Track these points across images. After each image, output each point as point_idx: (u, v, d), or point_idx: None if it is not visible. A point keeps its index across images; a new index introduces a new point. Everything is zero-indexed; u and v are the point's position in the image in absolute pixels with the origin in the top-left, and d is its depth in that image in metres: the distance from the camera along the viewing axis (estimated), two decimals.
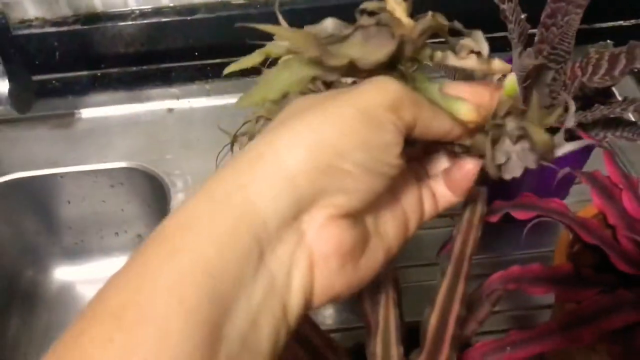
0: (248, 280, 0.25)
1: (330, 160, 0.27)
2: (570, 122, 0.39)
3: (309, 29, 0.33)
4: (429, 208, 0.35)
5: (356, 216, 0.29)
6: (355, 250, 0.29)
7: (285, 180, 0.26)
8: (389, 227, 0.32)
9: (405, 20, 0.31)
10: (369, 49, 0.30)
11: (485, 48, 0.33)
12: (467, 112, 0.31)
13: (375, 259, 0.31)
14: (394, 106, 0.28)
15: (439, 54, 0.32)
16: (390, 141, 0.28)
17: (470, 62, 0.33)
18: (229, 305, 0.24)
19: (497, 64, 0.34)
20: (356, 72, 0.31)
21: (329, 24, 0.32)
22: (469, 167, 0.34)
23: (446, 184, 0.35)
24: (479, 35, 0.33)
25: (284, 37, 0.33)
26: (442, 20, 0.32)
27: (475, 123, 0.31)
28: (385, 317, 0.35)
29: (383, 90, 0.29)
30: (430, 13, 0.31)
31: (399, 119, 0.28)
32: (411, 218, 0.33)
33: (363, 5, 0.32)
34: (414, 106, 0.29)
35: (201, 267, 0.24)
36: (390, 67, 0.31)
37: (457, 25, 0.33)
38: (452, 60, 0.33)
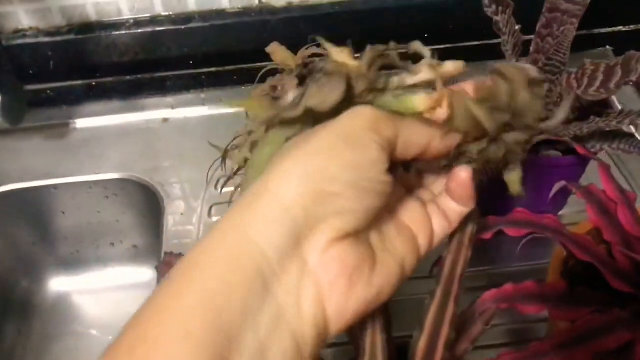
0: (254, 311, 0.26)
1: (321, 186, 0.28)
2: (562, 115, 0.39)
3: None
4: (439, 224, 0.35)
5: (357, 235, 0.30)
6: (361, 268, 0.30)
7: (280, 212, 0.28)
8: (397, 243, 0.33)
9: (351, 62, 0.34)
10: (323, 95, 0.33)
11: (426, 53, 0.34)
12: (420, 101, 0.32)
13: (388, 273, 0.31)
14: (372, 126, 0.30)
15: (395, 79, 0.34)
16: (376, 158, 0.30)
17: (423, 75, 0.34)
18: (235, 336, 0.25)
19: (449, 65, 0.35)
20: (322, 118, 0.33)
21: (290, 96, 0.38)
22: (463, 174, 0.34)
23: (451, 198, 0.36)
24: (417, 44, 0.35)
25: (241, 106, 0.41)
26: (380, 48, 0.34)
27: (431, 110, 0.33)
28: (372, 342, 0.34)
29: (360, 115, 0.30)
30: (368, 47, 0.35)
31: (379, 136, 0.30)
32: (419, 234, 0.34)
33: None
34: (391, 122, 0.31)
35: (206, 301, 0.26)
36: (349, 103, 0.33)
37: (393, 45, 0.35)
38: (409, 80, 0.35)
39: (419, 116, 0.33)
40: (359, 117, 0.30)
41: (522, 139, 0.35)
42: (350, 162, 0.29)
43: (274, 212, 0.28)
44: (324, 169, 0.29)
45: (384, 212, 0.33)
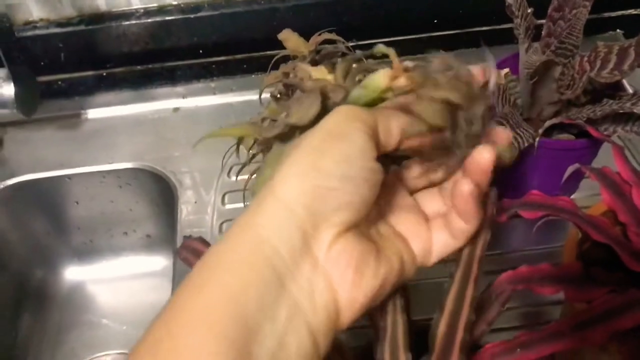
0: (271, 304, 0.28)
1: (318, 182, 0.30)
2: None
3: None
4: (442, 240, 0.36)
5: (358, 227, 0.32)
6: (367, 258, 0.31)
7: (285, 211, 0.30)
8: (394, 240, 0.34)
9: (327, 77, 0.38)
10: (302, 111, 0.38)
11: (391, 52, 0.36)
12: (382, 75, 0.34)
13: (391, 265, 0.33)
14: (354, 116, 0.32)
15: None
16: (363, 146, 0.31)
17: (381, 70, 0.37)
18: (255, 328, 0.27)
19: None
20: (305, 129, 0.37)
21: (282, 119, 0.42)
22: (464, 188, 0.34)
23: (456, 213, 0.35)
24: (381, 47, 0.37)
25: (232, 134, 0.47)
26: (350, 58, 0.39)
27: (392, 83, 0.34)
28: (393, 323, 0.35)
29: (341, 111, 0.32)
30: (339, 60, 0.41)
31: (362, 123, 0.31)
32: (413, 242, 0.35)
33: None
34: (369, 111, 0.32)
35: (225, 296, 0.27)
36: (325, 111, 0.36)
37: (360, 53, 0.39)
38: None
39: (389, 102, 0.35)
40: (340, 113, 0.32)
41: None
42: (341, 155, 0.30)
43: (279, 211, 0.30)
44: (318, 166, 0.30)
45: (379, 217, 0.35)
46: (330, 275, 0.30)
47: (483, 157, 0.33)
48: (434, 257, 0.36)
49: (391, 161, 0.36)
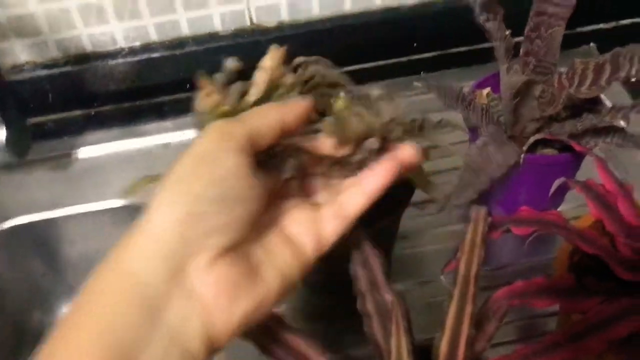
0: (146, 337, 0.28)
1: (189, 209, 0.30)
2: None
3: None
4: (333, 225, 0.36)
5: (236, 249, 0.32)
6: (240, 285, 0.31)
7: (155, 242, 0.30)
8: (279, 254, 0.34)
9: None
10: None
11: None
12: (200, 100, 0.39)
13: (268, 285, 0.33)
14: (222, 134, 0.32)
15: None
16: (234, 164, 0.31)
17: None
18: (132, 359, 0.28)
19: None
20: None
21: None
22: (388, 164, 0.37)
23: (363, 184, 0.37)
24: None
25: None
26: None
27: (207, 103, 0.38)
28: (398, 345, 0.36)
29: (210, 131, 0.32)
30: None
31: (232, 140, 0.31)
32: (305, 241, 0.35)
33: None
34: (238, 121, 0.33)
35: (101, 331, 0.28)
36: None
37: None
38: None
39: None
40: (209, 133, 0.32)
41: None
42: (211, 178, 0.30)
43: (149, 242, 0.30)
44: (189, 192, 0.30)
45: (268, 222, 0.35)
46: (205, 303, 0.30)
47: (409, 152, 0.36)
48: (328, 244, 0.36)
49: (287, 156, 0.36)
